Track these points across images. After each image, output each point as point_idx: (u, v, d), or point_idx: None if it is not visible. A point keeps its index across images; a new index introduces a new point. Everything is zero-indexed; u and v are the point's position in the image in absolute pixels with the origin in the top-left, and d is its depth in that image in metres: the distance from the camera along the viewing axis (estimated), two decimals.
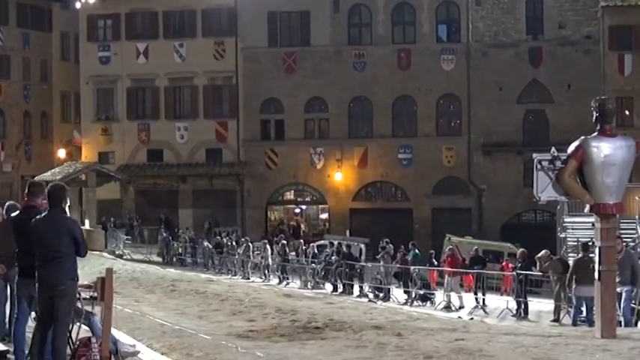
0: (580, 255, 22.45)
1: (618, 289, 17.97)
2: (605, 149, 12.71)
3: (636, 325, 19.24)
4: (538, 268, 26.06)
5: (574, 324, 21.19)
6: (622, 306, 18.10)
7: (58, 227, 9.61)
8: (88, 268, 28.47)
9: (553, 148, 13.28)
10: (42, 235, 9.62)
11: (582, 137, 13.03)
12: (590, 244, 25.03)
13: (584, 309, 21.34)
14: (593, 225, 14.05)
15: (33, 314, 10.16)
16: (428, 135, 55.26)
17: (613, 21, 53.23)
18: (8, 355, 9.98)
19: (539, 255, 26.13)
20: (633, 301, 19.20)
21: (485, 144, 54.22)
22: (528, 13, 54.53)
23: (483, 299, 28.84)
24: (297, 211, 58.88)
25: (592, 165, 12.74)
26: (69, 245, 9.61)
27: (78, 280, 9.83)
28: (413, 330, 14.97)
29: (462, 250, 37.69)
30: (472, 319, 23.51)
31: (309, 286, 36.21)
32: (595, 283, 13.40)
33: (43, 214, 9.77)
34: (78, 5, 57.18)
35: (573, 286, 21.08)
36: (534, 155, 13.34)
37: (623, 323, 17.65)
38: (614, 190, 12.89)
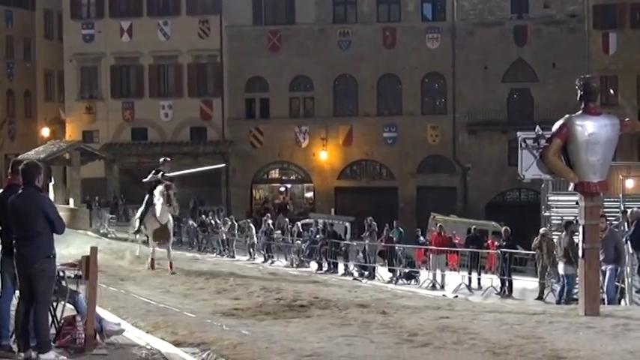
0: (564, 233, 22.53)
1: (602, 268, 18.24)
2: (590, 127, 12.73)
3: (620, 302, 19.37)
4: (537, 242, 25.75)
5: (560, 302, 21.37)
6: (606, 284, 18.24)
7: (31, 205, 9.61)
8: (73, 247, 28.47)
9: (538, 127, 13.30)
10: (17, 213, 9.66)
11: (567, 115, 13.04)
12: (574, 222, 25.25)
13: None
14: (577, 203, 14.07)
15: (17, 292, 10.16)
16: (413, 114, 55.27)
17: None
18: None
19: (542, 231, 26.08)
20: (617, 279, 19.33)
21: (470, 123, 54.27)
22: None
23: (478, 278, 28.79)
24: (282, 189, 58.88)
25: (576, 143, 12.76)
26: (43, 223, 9.63)
27: (55, 257, 9.81)
28: (397, 308, 15.01)
29: (447, 228, 37.79)
30: (457, 297, 23.61)
31: (294, 265, 36.26)
32: (579, 261, 13.46)
33: (17, 193, 9.76)
34: None
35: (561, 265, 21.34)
36: (519, 134, 13.36)
37: (606, 301, 17.79)
38: (599, 168, 12.92)
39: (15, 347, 9.91)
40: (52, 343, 9.89)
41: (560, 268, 21.81)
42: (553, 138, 12.93)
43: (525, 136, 13.19)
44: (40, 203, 9.67)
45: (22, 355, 9.67)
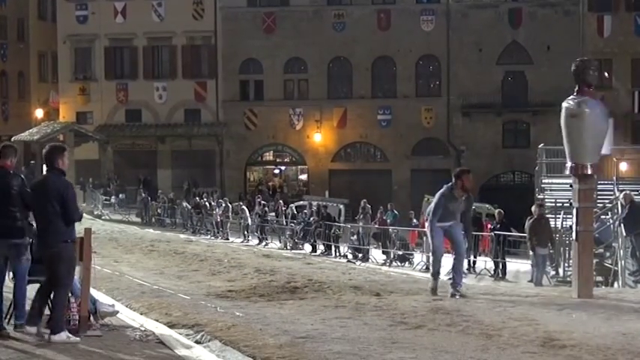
0: (535, 217, 23.05)
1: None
2: (592, 109, 12.57)
3: (613, 285, 19.47)
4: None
5: (541, 284, 21.62)
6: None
7: (48, 190, 9.72)
8: None
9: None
10: (36, 198, 9.80)
11: (584, 97, 12.74)
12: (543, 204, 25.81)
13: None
14: (571, 186, 14.03)
15: (11, 274, 10.22)
16: (407, 96, 55.21)
17: None
18: None
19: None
20: (609, 262, 19.41)
21: (464, 105, 54.25)
22: None
23: (474, 261, 28.74)
24: (277, 171, 58.89)
25: (582, 125, 12.55)
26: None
27: (73, 242, 9.92)
28: (391, 290, 15.05)
29: None
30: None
31: (288, 247, 36.33)
32: (573, 244, 13.47)
33: (40, 178, 9.93)
34: None
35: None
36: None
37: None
38: (593, 151, 12.83)
39: (9, 328, 9.96)
40: (64, 327, 10.00)
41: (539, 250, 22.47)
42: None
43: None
44: (57, 188, 9.74)
45: (32, 329, 9.81)
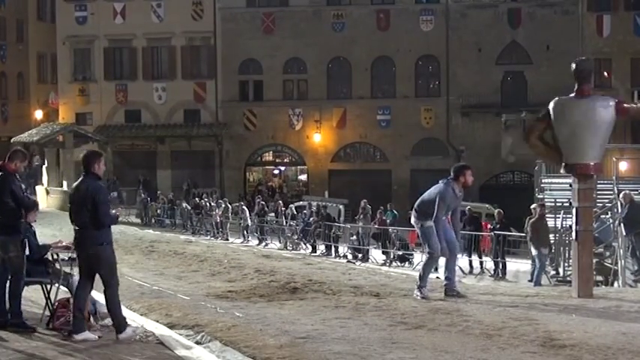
0: (536, 217, 23.14)
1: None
2: (580, 109, 12.50)
3: (612, 284, 19.46)
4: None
5: (540, 283, 21.67)
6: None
7: (83, 194, 9.95)
8: (67, 230, 28.45)
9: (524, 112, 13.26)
10: (73, 203, 10.07)
11: (556, 98, 12.84)
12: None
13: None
14: (570, 186, 14.00)
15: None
16: (406, 96, 55.20)
17: None
18: None
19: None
20: (609, 261, 19.40)
21: (463, 105, 54.23)
22: None
23: (474, 261, 28.68)
24: (276, 172, 58.89)
25: (566, 125, 12.56)
26: (91, 212, 9.99)
27: (110, 244, 10.10)
28: (391, 290, 15.03)
29: None
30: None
31: (288, 247, 36.31)
32: (573, 244, 13.46)
33: (76, 183, 10.28)
34: None
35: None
36: (504, 116, 13.29)
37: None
38: (593, 150, 12.78)
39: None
40: (126, 322, 10.30)
41: (533, 249, 22.63)
42: (537, 122, 12.87)
43: (508, 118, 13.12)
44: (89, 192, 9.94)
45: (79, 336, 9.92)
